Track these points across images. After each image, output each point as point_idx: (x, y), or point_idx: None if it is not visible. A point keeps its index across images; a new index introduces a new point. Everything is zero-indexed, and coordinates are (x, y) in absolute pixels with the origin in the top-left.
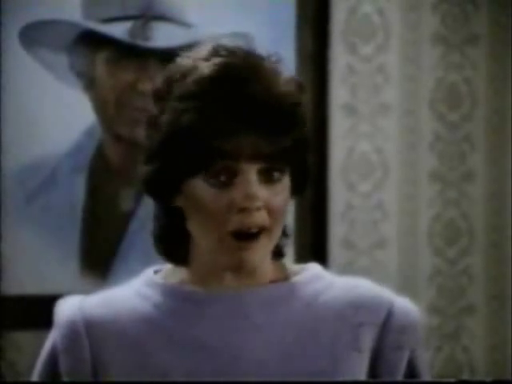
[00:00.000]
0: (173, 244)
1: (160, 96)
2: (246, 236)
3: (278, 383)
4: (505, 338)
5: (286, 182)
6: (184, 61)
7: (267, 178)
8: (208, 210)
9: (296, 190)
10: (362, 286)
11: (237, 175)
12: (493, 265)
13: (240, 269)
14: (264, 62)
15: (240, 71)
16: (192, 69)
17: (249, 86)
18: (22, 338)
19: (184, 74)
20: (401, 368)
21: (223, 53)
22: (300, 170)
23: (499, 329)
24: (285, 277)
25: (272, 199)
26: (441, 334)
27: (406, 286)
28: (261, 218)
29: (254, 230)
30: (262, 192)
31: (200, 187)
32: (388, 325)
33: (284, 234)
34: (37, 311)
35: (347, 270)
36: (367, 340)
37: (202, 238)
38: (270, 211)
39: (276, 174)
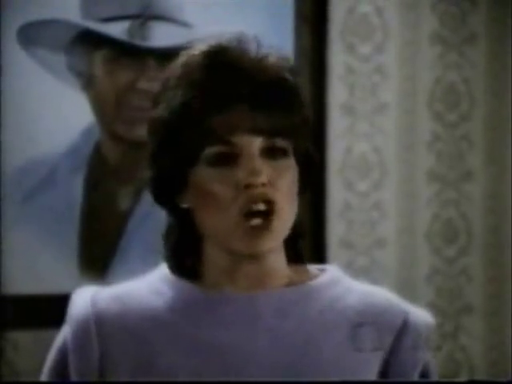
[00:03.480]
0: (186, 254)
1: (156, 98)
2: (256, 214)
3: (275, 383)
4: (503, 337)
5: (290, 163)
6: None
7: (270, 156)
8: (215, 191)
9: (302, 180)
10: (379, 294)
11: (239, 154)
12: (491, 264)
13: (255, 252)
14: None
15: (229, 50)
16: (181, 58)
17: (239, 61)
18: (21, 337)
19: (175, 66)
20: (414, 377)
21: (212, 43)
22: (304, 157)
23: (498, 328)
24: (302, 280)
25: (277, 176)
26: (439, 334)
27: (404, 286)
28: (267, 192)
29: (262, 207)
30: (266, 169)
31: (205, 173)
32: (403, 334)
33: (299, 234)
34: (36, 311)
35: (346, 270)
36: (378, 348)
37: (212, 226)
38: (277, 188)
39: (279, 154)
